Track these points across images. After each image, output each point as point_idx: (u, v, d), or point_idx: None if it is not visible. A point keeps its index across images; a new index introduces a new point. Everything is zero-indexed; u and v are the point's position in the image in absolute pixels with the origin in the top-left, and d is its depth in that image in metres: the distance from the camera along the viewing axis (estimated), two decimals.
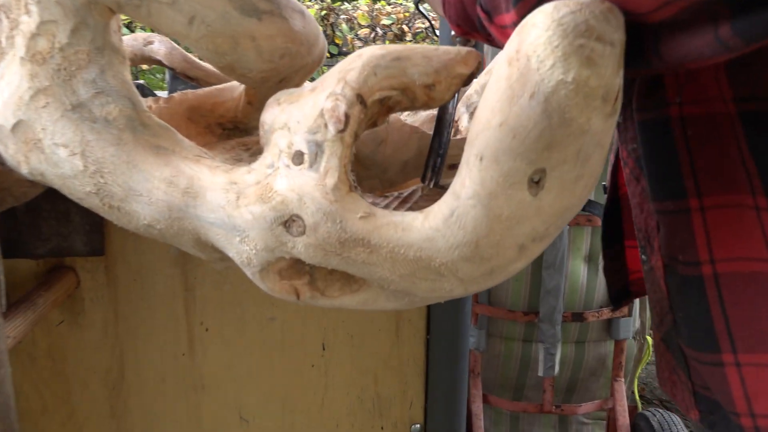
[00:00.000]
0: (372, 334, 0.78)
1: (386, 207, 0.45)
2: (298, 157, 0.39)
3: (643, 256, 0.47)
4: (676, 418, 1.41)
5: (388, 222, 0.38)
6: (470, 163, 0.37)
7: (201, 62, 0.68)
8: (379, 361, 0.79)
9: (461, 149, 0.54)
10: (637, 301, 1.49)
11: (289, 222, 0.39)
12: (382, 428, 0.81)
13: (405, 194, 0.46)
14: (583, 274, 1.46)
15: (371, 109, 0.39)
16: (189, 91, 0.57)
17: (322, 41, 0.50)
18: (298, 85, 0.53)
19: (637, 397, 1.58)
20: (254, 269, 0.42)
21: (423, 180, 0.45)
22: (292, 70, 0.48)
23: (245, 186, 0.41)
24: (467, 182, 0.37)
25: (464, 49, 0.39)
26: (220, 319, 0.76)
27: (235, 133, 0.57)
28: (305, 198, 0.38)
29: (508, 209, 0.36)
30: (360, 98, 0.38)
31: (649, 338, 1.55)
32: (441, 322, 0.78)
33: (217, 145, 0.54)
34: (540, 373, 1.43)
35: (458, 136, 0.53)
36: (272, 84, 0.49)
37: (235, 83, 0.57)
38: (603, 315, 1.44)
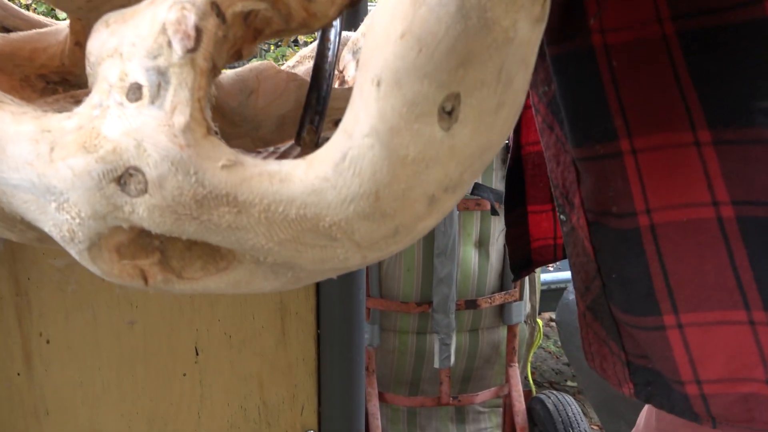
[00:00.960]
0: (254, 332, 0.68)
1: None
2: (134, 92, 0.29)
3: (561, 216, 0.41)
4: (570, 399, 1.42)
5: (260, 172, 0.29)
6: (365, 91, 0.28)
7: (21, 10, 0.55)
8: (263, 363, 0.69)
9: (347, 99, 0.46)
10: (526, 284, 1.49)
11: (125, 177, 0.29)
12: None
13: (282, 149, 0.37)
14: (474, 260, 1.44)
15: (233, 27, 0.30)
16: None
17: None
18: None
19: (531, 381, 1.59)
20: (80, 246, 0.31)
21: (297, 140, 0.36)
22: None
23: (63, 134, 0.30)
24: (362, 116, 0.29)
25: None
26: (65, 327, 0.62)
27: (63, 86, 0.45)
28: (145, 143, 0.28)
29: (415, 148, 0.29)
30: (215, 7, 0.29)
31: (539, 321, 1.55)
32: (332, 313, 0.69)
33: (38, 101, 0.42)
34: (436, 365, 1.39)
35: (345, 86, 0.44)
36: (106, 13, 0.38)
37: (61, 26, 0.45)
38: (495, 300, 1.42)
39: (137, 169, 0.29)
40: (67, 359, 0.63)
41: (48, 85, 0.45)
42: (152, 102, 0.29)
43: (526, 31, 0.26)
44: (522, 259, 0.56)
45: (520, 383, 1.46)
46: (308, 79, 0.44)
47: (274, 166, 0.30)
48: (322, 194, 0.29)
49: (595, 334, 0.40)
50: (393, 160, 0.29)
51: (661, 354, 0.35)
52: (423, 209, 0.31)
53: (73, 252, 0.32)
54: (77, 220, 0.30)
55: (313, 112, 0.38)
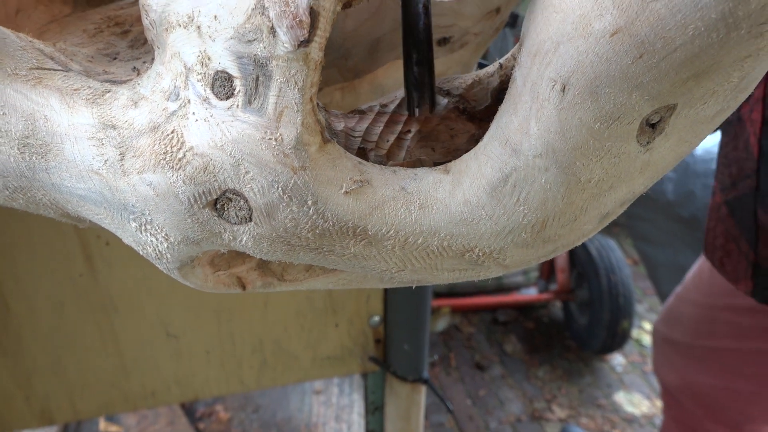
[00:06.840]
0: None
1: (368, 132, 0.29)
2: (222, 84, 0.22)
3: None
4: (613, 244, 1.41)
5: (393, 195, 0.23)
6: (540, 93, 0.21)
7: None
8: None
9: (457, 14, 0.36)
10: None
11: (222, 201, 0.23)
12: (336, 325, 0.71)
13: (392, 106, 0.30)
14: None
15: None
16: None
17: None
18: None
19: None
20: (169, 266, 0.26)
21: (410, 110, 0.28)
22: None
23: (133, 134, 0.23)
24: (533, 127, 0.21)
25: None
26: None
27: None
28: (246, 163, 0.22)
29: (601, 170, 0.22)
30: None
31: None
32: None
33: (74, 24, 0.34)
34: None
35: None
36: None
37: None
38: None
39: (237, 193, 0.22)
40: (128, 259, 0.60)
41: None
42: (249, 102, 0.21)
43: None
44: None
45: None
46: None
47: (410, 181, 0.23)
48: (473, 225, 0.23)
49: (725, 230, 0.38)
50: (571, 186, 0.22)
51: None
52: (591, 228, 0.24)
53: (160, 268, 0.26)
54: (165, 244, 0.24)
55: (423, 74, 0.28)
